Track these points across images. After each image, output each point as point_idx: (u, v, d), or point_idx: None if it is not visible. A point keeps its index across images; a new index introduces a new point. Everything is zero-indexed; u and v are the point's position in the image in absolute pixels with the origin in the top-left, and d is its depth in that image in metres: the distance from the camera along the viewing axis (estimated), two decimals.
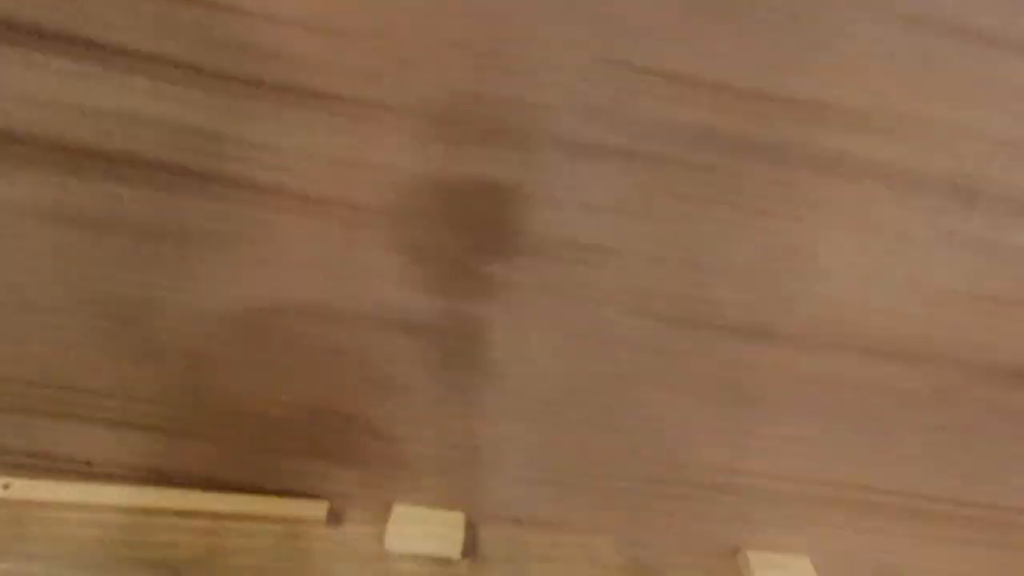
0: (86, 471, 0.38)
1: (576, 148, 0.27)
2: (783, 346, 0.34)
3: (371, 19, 0.24)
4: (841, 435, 0.39)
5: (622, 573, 0.43)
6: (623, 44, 0.24)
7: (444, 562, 0.40)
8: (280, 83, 0.25)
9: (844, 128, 0.26)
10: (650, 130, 0.26)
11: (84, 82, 0.25)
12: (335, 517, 0.41)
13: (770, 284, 0.32)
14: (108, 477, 0.38)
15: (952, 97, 0.25)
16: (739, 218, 0.29)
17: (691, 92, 0.25)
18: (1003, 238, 0.28)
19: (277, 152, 0.27)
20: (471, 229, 0.29)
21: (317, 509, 0.40)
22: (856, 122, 0.26)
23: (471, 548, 0.42)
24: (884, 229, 0.29)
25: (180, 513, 0.38)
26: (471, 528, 0.42)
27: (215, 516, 0.39)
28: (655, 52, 0.24)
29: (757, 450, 0.40)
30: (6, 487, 0.36)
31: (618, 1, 0.23)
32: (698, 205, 0.29)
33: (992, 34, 0.24)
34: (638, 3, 0.24)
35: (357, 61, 0.25)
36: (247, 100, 0.25)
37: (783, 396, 0.37)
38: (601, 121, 0.26)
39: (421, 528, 0.40)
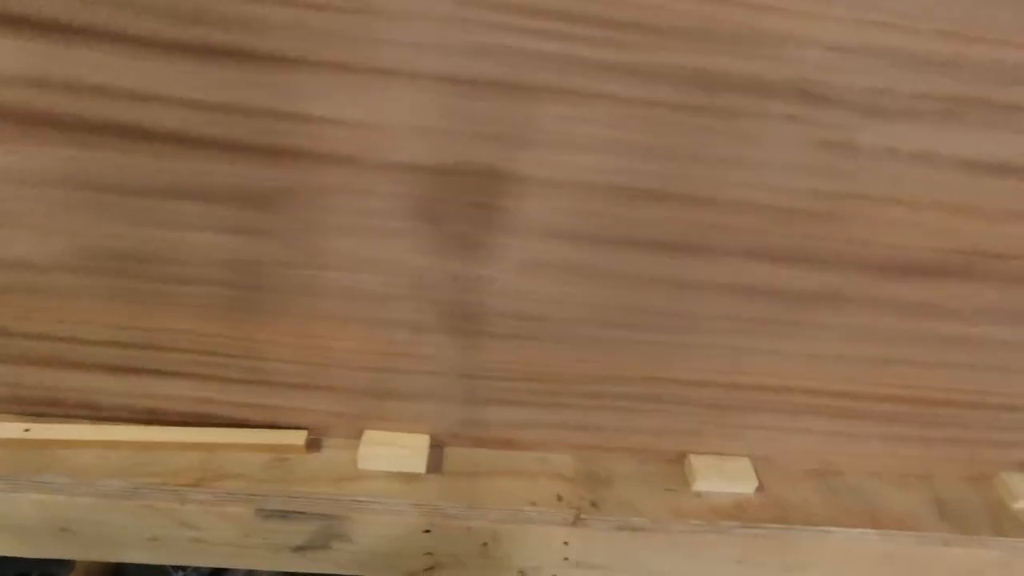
0: (95, 414, 0.44)
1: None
2: (692, 255, 0.38)
3: None
4: (762, 341, 0.43)
5: (577, 483, 0.48)
6: None
7: (412, 477, 0.46)
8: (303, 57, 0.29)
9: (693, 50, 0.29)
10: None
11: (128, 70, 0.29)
12: (314, 444, 0.47)
13: (668, 192, 0.35)
14: (114, 418, 0.44)
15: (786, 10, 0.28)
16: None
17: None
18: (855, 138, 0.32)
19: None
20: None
21: (297, 437, 0.45)
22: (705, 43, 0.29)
23: (436, 465, 0.47)
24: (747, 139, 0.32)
25: (178, 445, 0.44)
26: (436, 448, 0.48)
27: (209, 447, 0.45)
28: None
29: (693, 361, 0.44)
30: (27, 430, 0.42)
31: None
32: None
33: None
34: None
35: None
36: (276, 74, 0.30)
37: (708, 308, 0.41)
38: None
39: (389, 449, 0.46)
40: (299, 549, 0.47)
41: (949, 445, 0.51)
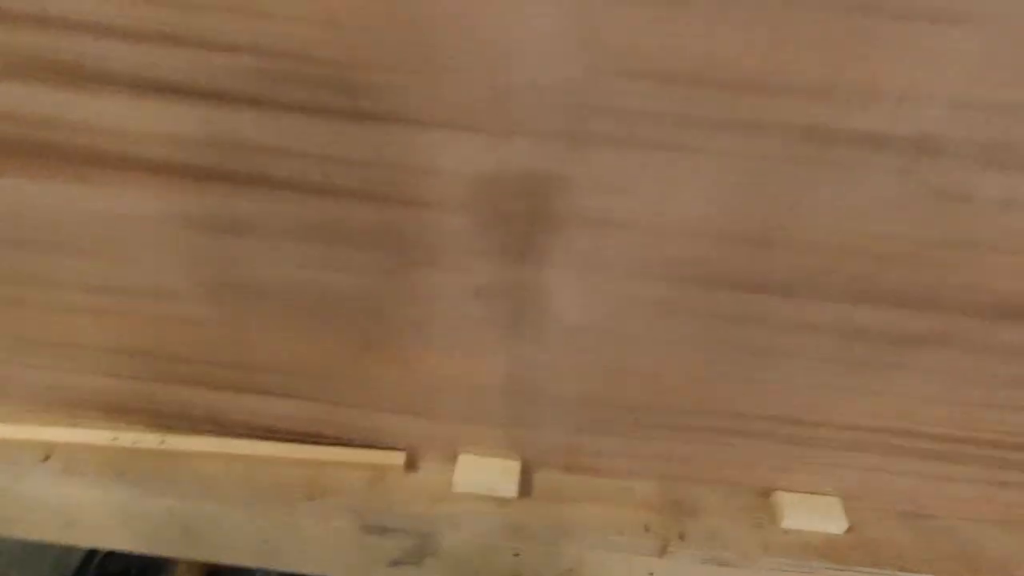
0: (219, 429, 0.48)
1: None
2: (791, 297, 0.39)
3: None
4: (858, 381, 0.43)
5: (664, 513, 0.49)
6: None
7: (503, 501, 0.48)
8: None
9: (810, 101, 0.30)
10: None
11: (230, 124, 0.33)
12: (411, 464, 0.49)
13: (769, 238, 0.36)
14: (236, 433, 0.48)
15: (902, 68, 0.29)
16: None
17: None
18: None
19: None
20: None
21: (397, 458, 0.48)
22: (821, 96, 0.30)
23: (526, 490, 0.49)
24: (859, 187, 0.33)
25: (290, 461, 0.48)
26: (526, 473, 0.49)
27: (317, 464, 0.48)
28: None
29: (785, 398, 0.44)
30: (162, 442, 0.47)
31: None
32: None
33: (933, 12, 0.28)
34: None
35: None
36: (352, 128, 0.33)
37: (805, 348, 0.42)
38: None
39: (483, 473, 0.48)
40: (395, 563, 0.50)
41: None
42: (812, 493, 0.50)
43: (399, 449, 0.49)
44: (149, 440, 0.46)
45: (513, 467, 0.49)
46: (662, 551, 0.47)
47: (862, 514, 0.50)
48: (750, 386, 0.43)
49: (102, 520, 0.49)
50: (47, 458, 0.47)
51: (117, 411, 0.48)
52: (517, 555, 0.48)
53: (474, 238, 0.38)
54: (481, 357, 0.43)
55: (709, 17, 0.27)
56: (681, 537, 0.47)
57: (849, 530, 0.49)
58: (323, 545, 0.49)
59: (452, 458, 0.49)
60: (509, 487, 0.47)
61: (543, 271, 0.39)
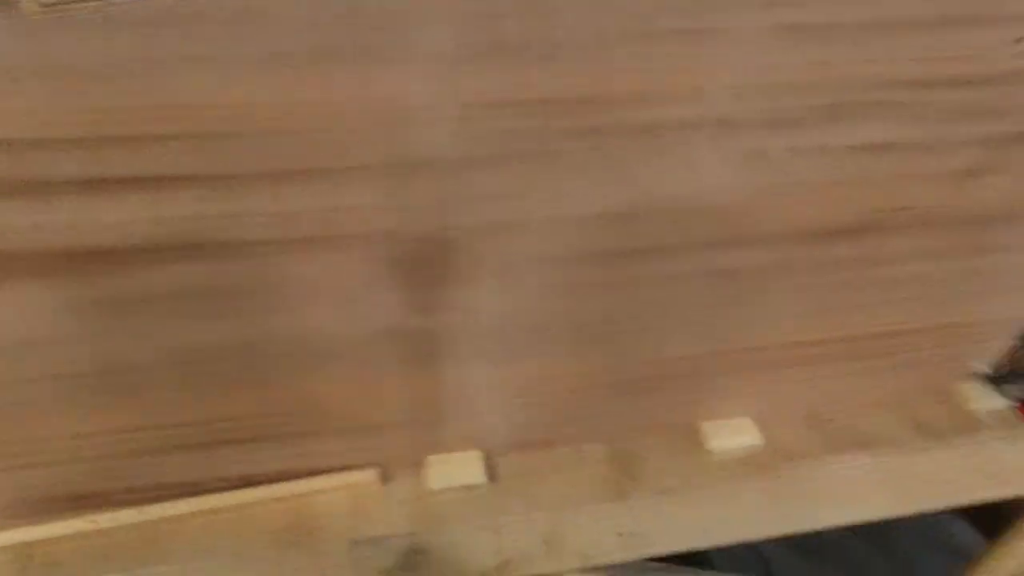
0: (195, 489, 0.51)
1: None
2: (664, 254, 0.47)
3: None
4: (733, 313, 0.52)
5: (609, 465, 0.56)
6: None
7: (474, 488, 0.53)
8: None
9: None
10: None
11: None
12: (386, 477, 0.54)
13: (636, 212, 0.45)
14: (212, 489, 0.51)
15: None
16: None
17: None
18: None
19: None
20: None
21: (371, 475, 0.52)
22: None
23: (493, 474, 0.55)
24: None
25: (270, 502, 0.51)
26: (490, 460, 0.55)
27: (297, 498, 0.51)
28: None
29: (683, 340, 0.53)
30: (141, 514, 0.49)
31: None
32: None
33: None
34: None
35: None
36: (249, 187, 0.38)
37: (680, 293, 0.50)
38: None
39: (452, 468, 0.53)
40: (387, 573, 0.54)
41: (910, 369, 0.61)
42: (728, 418, 0.59)
43: (371, 467, 0.53)
44: (128, 516, 0.48)
45: (477, 457, 0.54)
46: (620, 495, 0.54)
47: (773, 428, 0.59)
48: (658, 335, 0.52)
49: None
50: (30, 557, 0.47)
51: (90, 497, 0.49)
52: (498, 533, 0.53)
53: (386, 277, 0.44)
54: (419, 375, 0.49)
55: (543, 66, 0.36)
56: (633, 479, 0.54)
57: (764, 442, 0.58)
58: (318, 571, 0.52)
59: (421, 464, 0.54)
60: (477, 475, 0.53)
61: (458, 289, 0.45)
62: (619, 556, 0.57)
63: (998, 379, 0.63)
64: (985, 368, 0.64)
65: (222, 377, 0.46)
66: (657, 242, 0.45)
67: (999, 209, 0.51)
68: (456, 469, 0.53)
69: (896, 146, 0.43)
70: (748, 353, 0.55)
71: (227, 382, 0.47)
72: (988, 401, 0.63)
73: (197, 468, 0.50)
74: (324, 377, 0.48)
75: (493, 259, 0.44)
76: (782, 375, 0.57)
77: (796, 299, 0.52)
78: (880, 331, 0.57)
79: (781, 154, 0.42)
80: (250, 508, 0.51)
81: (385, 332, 0.46)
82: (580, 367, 0.52)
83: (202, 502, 0.50)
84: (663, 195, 0.43)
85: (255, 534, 0.50)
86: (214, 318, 0.43)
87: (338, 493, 0.52)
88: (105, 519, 0.48)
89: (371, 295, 0.44)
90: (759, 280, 0.49)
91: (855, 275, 0.52)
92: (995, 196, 0.50)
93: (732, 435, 0.57)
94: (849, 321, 0.55)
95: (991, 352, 0.64)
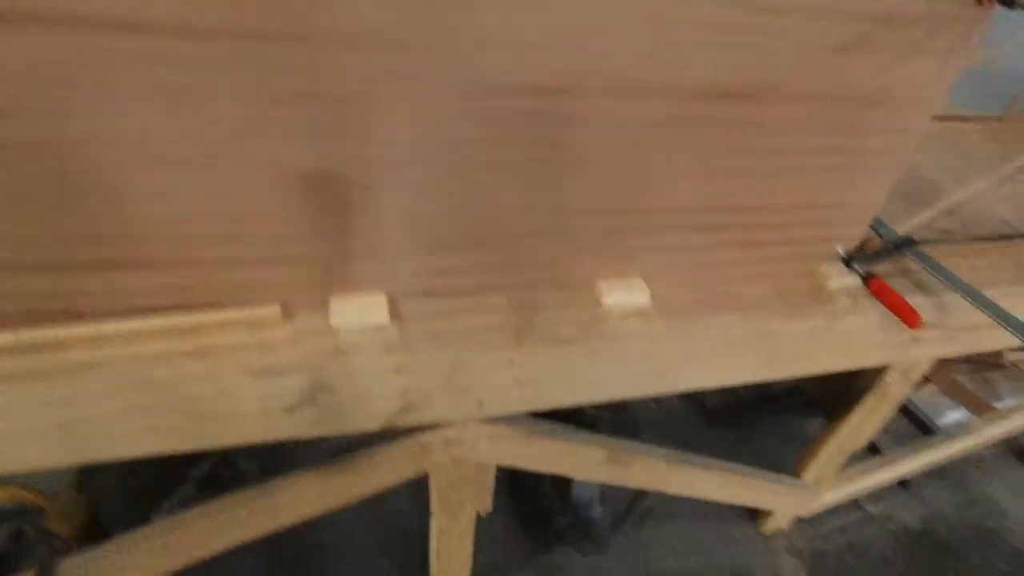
0: (85, 314, 0.48)
1: None
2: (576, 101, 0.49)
3: None
4: (633, 165, 0.55)
5: (511, 313, 0.59)
6: None
7: (379, 328, 0.54)
8: None
9: None
10: None
11: None
12: (288, 314, 0.54)
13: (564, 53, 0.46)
14: (103, 316, 0.49)
15: None
16: None
17: None
18: None
19: None
20: None
21: (272, 311, 0.52)
22: None
23: (396, 316, 0.56)
24: None
25: (167, 333, 0.50)
26: (393, 303, 0.56)
27: (194, 330, 0.50)
28: None
29: (588, 192, 0.55)
30: (21, 337, 0.46)
31: None
32: None
33: None
34: None
35: None
36: None
37: (602, 143, 0.53)
38: None
39: (355, 308, 0.54)
40: (291, 409, 0.54)
41: (784, 247, 0.68)
42: (623, 279, 0.63)
43: (273, 303, 0.53)
44: (3, 338, 0.45)
45: (381, 299, 0.55)
46: (518, 341, 0.57)
47: (661, 289, 0.65)
48: (563, 189, 0.54)
49: None
50: None
51: None
52: (399, 371, 0.55)
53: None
54: (325, 214, 0.49)
55: None
56: (531, 324, 0.58)
57: (652, 300, 0.63)
58: (219, 405, 0.52)
59: (324, 304, 0.54)
60: (381, 316, 0.54)
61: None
62: (516, 406, 0.61)
63: (850, 259, 0.71)
64: (842, 252, 0.72)
65: (96, 188, 0.44)
66: (568, 86, 0.47)
67: (864, 92, 0.56)
68: (360, 310, 0.54)
69: (783, 11, 0.47)
70: (645, 215, 0.59)
71: (105, 195, 0.44)
72: (843, 280, 0.71)
73: (85, 292, 0.48)
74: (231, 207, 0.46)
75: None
76: (675, 239, 0.62)
77: (690, 161, 0.55)
78: (761, 204, 0.62)
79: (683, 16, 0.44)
80: (147, 337, 0.49)
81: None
82: (489, 213, 0.54)
83: (94, 329, 0.48)
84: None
85: (153, 362, 0.49)
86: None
87: (240, 327, 0.52)
88: None
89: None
90: (657, 135, 0.52)
91: (742, 141, 0.56)
92: (862, 79, 0.55)
93: (625, 293, 0.62)
94: (736, 189, 0.60)
95: (850, 238, 0.72)
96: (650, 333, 0.62)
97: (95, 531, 0.83)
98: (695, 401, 1.33)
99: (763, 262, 0.68)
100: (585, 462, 0.80)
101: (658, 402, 1.31)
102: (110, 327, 0.48)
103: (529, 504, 1.08)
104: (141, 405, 0.49)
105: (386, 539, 1.02)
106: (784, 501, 1.01)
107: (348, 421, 0.58)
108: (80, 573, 0.66)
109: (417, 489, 0.77)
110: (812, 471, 0.97)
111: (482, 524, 0.78)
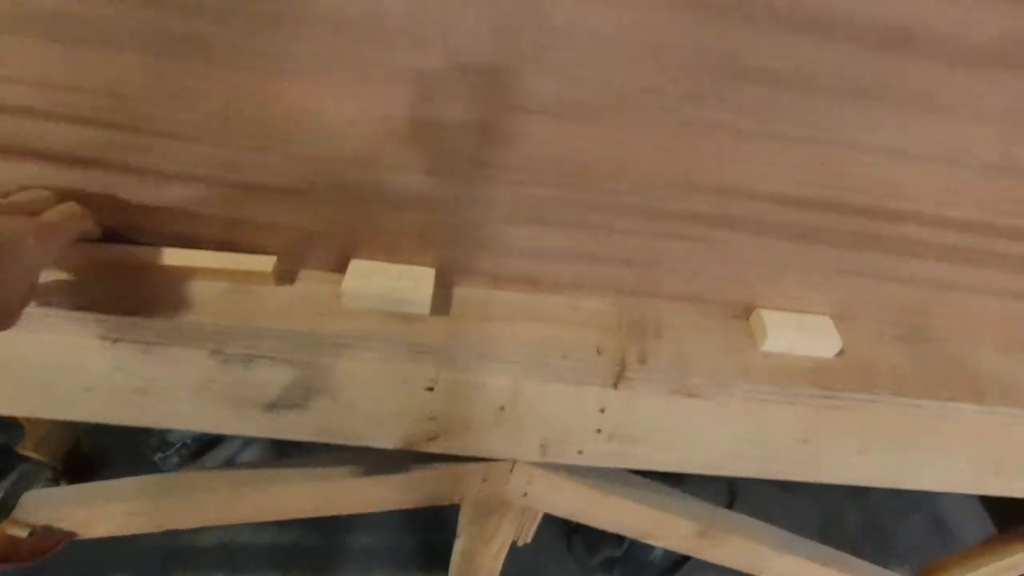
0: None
1: None
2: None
3: None
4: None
5: (614, 331, 0.38)
6: None
7: (412, 319, 0.36)
8: None
9: None
10: None
11: None
12: (287, 275, 0.36)
13: None
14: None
15: None
16: None
17: None
18: None
19: None
20: None
21: (263, 263, 0.35)
22: None
23: (443, 307, 0.37)
24: None
25: (108, 265, 0.34)
26: (443, 286, 0.37)
27: (150, 270, 0.34)
28: None
29: (783, 161, 0.33)
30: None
31: None
32: None
33: None
34: None
35: None
36: None
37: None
38: None
39: (383, 282, 0.35)
40: (272, 407, 0.38)
41: None
42: (799, 310, 0.41)
43: (268, 253, 0.36)
44: None
45: (425, 275, 0.36)
46: (618, 379, 0.37)
47: (854, 335, 0.41)
48: (741, 141, 0.32)
49: None
50: None
51: None
52: (431, 389, 0.36)
53: None
54: (375, 89, 0.30)
55: None
56: (642, 362, 0.37)
57: (840, 353, 0.40)
58: (166, 387, 0.36)
59: (342, 265, 0.36)
60: (419, 300, 0.35)
61: None
62: (594, 461, 0.42)
63: None
64: None
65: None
66: None
67: None
68: (389, 284, 0.35)
69: None
70: (872, 219, 0.36)
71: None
72: None
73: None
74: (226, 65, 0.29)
75: None
76: (888, 265, 0.38)
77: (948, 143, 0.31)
78: None
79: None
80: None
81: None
82: (620, 158, 0.33)
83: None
84: None
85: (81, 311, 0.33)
86: None
87: (211, 280, 0.35)
88: None
89: None
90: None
91: None
92: None
93: (799, 334, 0.39)
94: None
95: None
96: (831, 409, 0.39)
97: (80, 464, 0.74)
98: None
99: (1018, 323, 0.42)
100: (668, 531, 0.60)
101: None
102: None
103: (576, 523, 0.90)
104: (71, 369, 0.34)
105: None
106: None
107: (354, 436, 0.40)
108: (47, 511, 0.55)
109: None
110: None
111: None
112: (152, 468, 0.77)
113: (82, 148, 0.31)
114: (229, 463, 0.82)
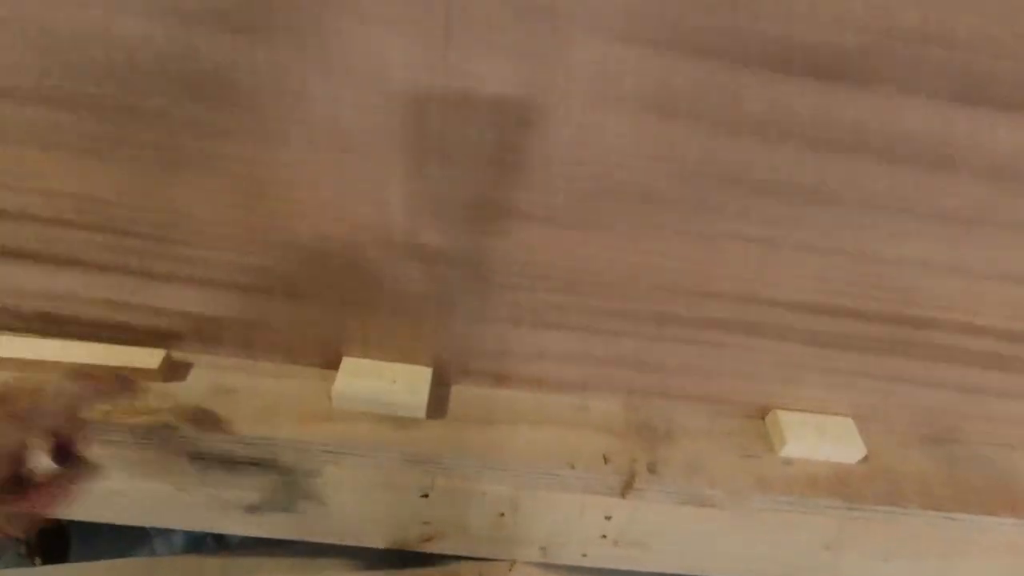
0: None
1: None
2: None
3: None
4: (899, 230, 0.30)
5: (623, 435, 0.36)
6: None
7: (406, 423, 0.33)
8: None
9: None
10: None
11: None
12: (280, 371, 0.34)
13: None
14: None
15: None
16: None
17: None
18: None
19: None
20: None
21: (150, 358, 0.32)
22: None
23: (440, 408, 0.35)
24: None
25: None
26: (440, 385, 0.35)
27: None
28: None
29: (809, 271, 0.31)
30: None
31: None
32: None
33: None
34: None
35: None
36: None
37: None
38: None
39: (377, 382, 0.33)
40: (253, 509, 0.35)
41: None
42: (818, 412, 0.38)
43: (254, 349, 0.34)
44: None
45: (421, 375, 0.34)
46: (626, 488, 0.34)
47: (877, 436, 0.39)
48: (760, 249, 0.30)
49: None
50: None
51: None
52: (426, 496, 0.34)
53: None
54: (365, 193, 0.28)
55: None
56: (651, 470, 0.34)
57: (864, 459, 0.37)
58: (141, 488, 0.34)
59: (334, 362, 0.34)
60: (415, 404, 0.33)
61: None
62: (598, 564, 0.39)
63: None
64: None
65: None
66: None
67: None
68: (383, 386, 0.33)
69: None
70: (896, 326, 0.34)
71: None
72: None
73: None
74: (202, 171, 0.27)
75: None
76: (915, 369, 0.36)
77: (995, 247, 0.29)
78: None
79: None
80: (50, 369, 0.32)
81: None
82: (627, 262, 0.31)
83: None
84: None
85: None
86: None
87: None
88: None
89: None
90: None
91: None
92: None
93: (820, 439, 0.36)
94: None
95: None
96: (856, 520, 0.36)
97: (57, 537, 0.70)
98: None
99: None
100: None
101: None
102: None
103: None
104: None
105: None
106: None
107: (344, 536, 0.38)
108: None
109: None
110: None
111: None
112: (143, 537, 0.73)
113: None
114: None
